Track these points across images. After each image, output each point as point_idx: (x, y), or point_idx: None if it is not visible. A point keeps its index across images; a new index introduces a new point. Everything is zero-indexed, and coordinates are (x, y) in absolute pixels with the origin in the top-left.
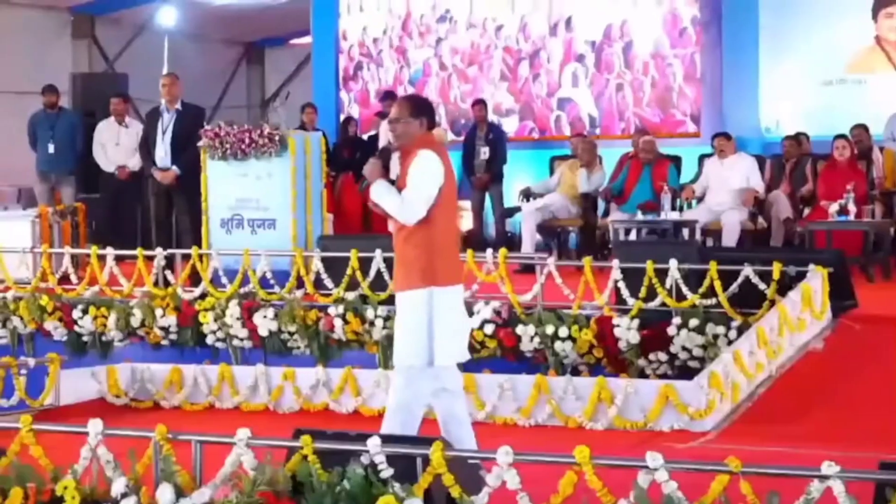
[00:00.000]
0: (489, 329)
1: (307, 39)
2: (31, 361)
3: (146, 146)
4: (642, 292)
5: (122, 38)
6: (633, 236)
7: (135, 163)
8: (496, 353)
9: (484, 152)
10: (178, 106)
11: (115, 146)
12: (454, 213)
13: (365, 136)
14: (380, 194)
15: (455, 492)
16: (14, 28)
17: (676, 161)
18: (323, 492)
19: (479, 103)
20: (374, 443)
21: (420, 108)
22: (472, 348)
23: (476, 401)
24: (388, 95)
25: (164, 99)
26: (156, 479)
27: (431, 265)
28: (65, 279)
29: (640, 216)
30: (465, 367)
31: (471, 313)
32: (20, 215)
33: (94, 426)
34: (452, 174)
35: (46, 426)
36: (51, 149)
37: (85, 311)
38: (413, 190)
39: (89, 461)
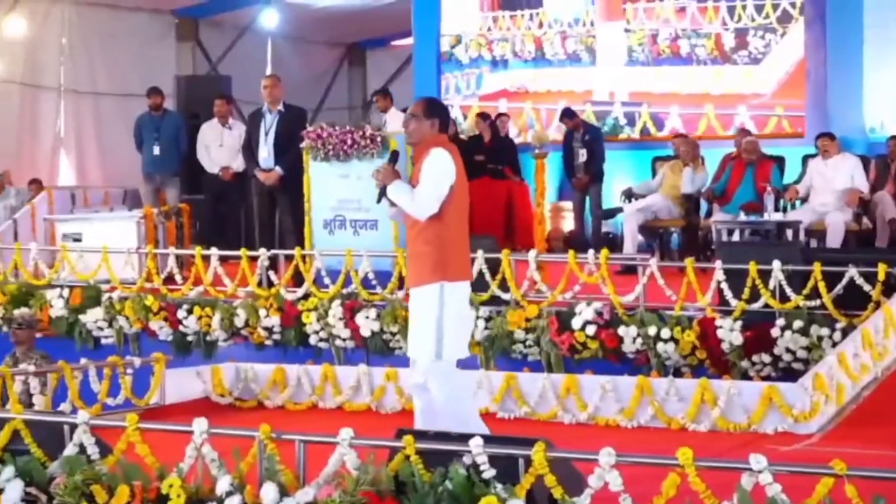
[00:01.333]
0: (591, 330)
1: (408, 41)
2: (137, 361)
3: (249, 148)
4: (745, 293)
5: (226, 41)
6: (735, 237)
7: (238, 164)
8: (598, 355)
9: (582, 154)
10: (281, 107)
11: (218, 147)
12: (464, 210)
13: (465, 137)
14: (396, 193)
15: (557, 492)
16: (120, 31)
17: (780, 161)
18: (425, 492)
19: (567, 116)
20: (476, 443)
21: (433, 109)
22: (573, 349)
23: (578, 402)
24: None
25: (266, 101)
26: (260, 477)
27: (442, 260)
28: (170, 279)
29: (742, 217)
30: (567, 368)
31: (572, 314)
32: (126, 216)
33: (199, 425)
34: (463, 173)
35: (152, 425)
36: (156, 150)
37: (189, 311)
38: (426, 187)
39: (194, 460)
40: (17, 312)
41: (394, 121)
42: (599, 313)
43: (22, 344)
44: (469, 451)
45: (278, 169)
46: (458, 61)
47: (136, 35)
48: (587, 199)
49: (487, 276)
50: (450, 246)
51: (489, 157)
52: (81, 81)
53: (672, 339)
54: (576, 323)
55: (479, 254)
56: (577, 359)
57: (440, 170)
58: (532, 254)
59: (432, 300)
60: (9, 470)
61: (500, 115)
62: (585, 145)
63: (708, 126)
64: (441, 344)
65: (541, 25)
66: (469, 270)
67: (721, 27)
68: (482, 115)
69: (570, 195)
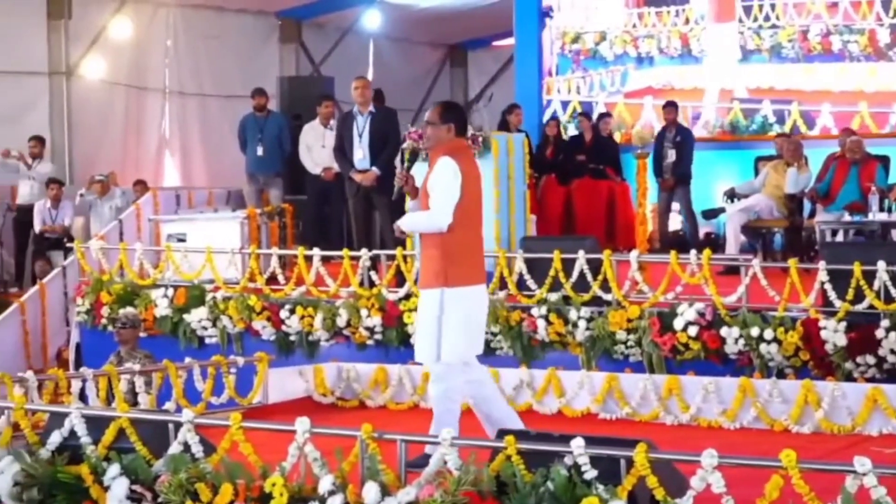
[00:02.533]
0: (693, 331)
1: (510, 41)
2: (241, 360)
3: (342, 149)
4: (849, 294)
5: (328, 42)
6: (839, 237)
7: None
8: (700, 356)
9: (671, 154)
10: (371, 108)
11: (320, 149)
12: (474, 215)
13: (567, 137)
14: (411, 222)
15: (659, 494)
16: (224, 33)
17: (884, 161)
18: (526, 492)
19: (671, 106)
20: (577, 444)
21: (449, 113)
22: (675, 350)
23: (680, 403)
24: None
25: (357, 102)
26: (362, 477)
27: (443, 267)
28: (272, 279)
29: (846, 217)
30: (669, 369)
31: (674, 315)
32: (230, 217)
33: (302, 424)
34: (474, 179)
35: (255, 424)
36: (259, 151)
37: (292, 311)
38: (437, 199)
39: (297, 459)
40: (121, 312)
41: None
42: (702, 314)
43: (126, 343)
44: (571, 452)
45: (375, 169)
46: (602, 58)
47: (240, 37)
48: (673, 200)
49: (589, 277)
50: (454, 251)
51: (590, 156)
52: (186, 83)
53: (775, 340)
54: (678, 324)
55: (581, 254)
56: (678, 360)
57: (445, 178)
58: (634, 254)
59: (433, 304)
60: (114, 468)
61: (602, 115)
62: (675, 146)
63: (861, 124)
64: (440, 347)
65: (687, 22)
66: (478, 274)
67: (875, 22)
68: (585, 115)
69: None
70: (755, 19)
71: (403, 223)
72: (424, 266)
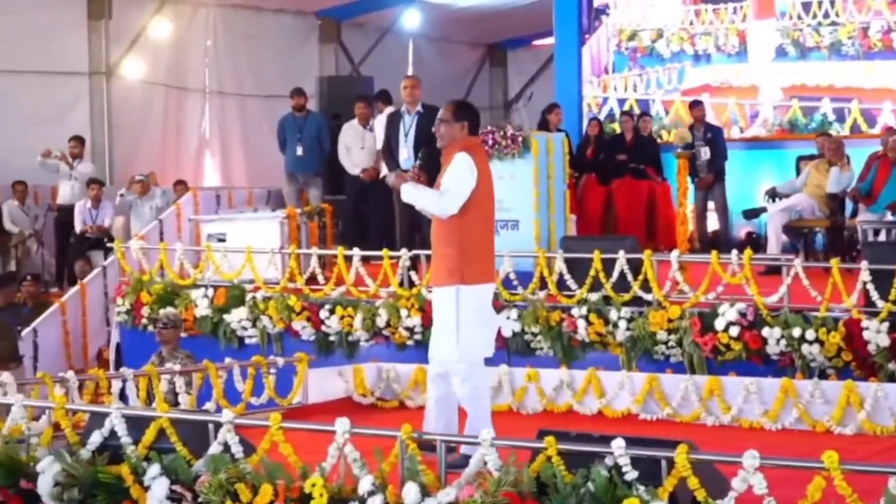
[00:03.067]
0: (734, 331)
1: (550, 40)
2: (280, 361)
3: (388, 149)
4: (892, 294)
5: (368, 42)
6: (882, 237)
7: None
8: (742, 356)
9: (704, 152)
10: (419, 108)
11: (359, 150)
12: (488, 213)
13: (607, 136)
14: (412, 193)
15: (700, 495)
16: (263, 33)
17: None
18: (567, 493)
19: (698, 104)
20: (618, 444)
21: (463, 112)
22: (716, 351)
23: (721, 404)
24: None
25: (406, 101)
26: (402, 477)
27: (459, 264)
28: (312, 279)
29: (889, 217)
30: (710, 370)
31: (715, 315)
32: (269, 216)
33: (342, 425)
34: (489, 178)
35: (295, 424)
36: (299, 151)
37: (332, 311)
38: (450, 184)
39: (337, 459)
40: (162, 312)
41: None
42: (743, 314)
43: (167, 343)
44: (611, 453)
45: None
46: (659, 55)
47: (280, 37)
48: (709, 199)
49: (629, 277)
50: (469, 249)
51: (631, 156)
52: (226, 83)
53: (817, 340)
54: (719, 324)
55: (621, 254)
56: (719, 360)
57: (462, 172)
58: (674, 254)
59: (449, 302)
60: (155, 468)
61: (642, 114)
62: (707, 143)
63: None
64: (460, 345)
65: (745, 19)
66: (491, 272)
67: None
68: (627, 114)
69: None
70: (814, 16)
71: (408, 191)
72: (438, 264)
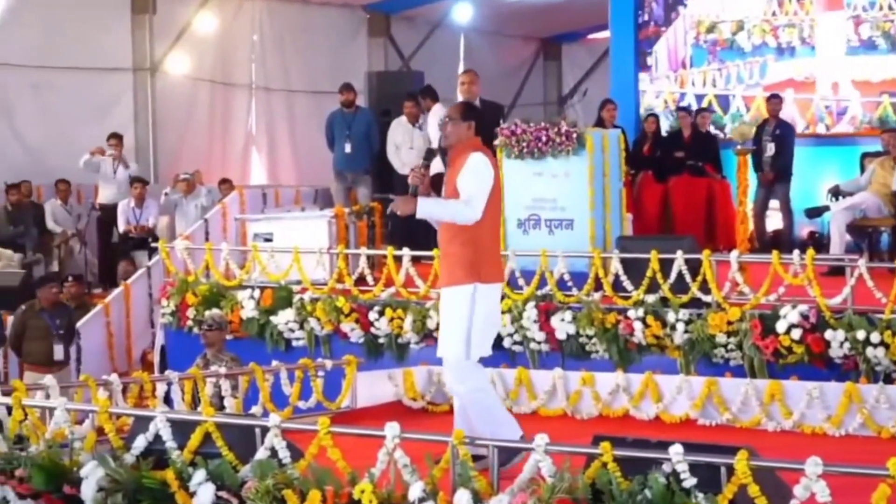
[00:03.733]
0: (796, 334)
1: (605, 34)
2: (328, 363)
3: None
4: None
5: (418, 36)
6: None
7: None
8: (804, 360)
9: (770, 148)
10: (477, 104)
11: (408, 150)
12: (499, 214)
13: (665, 133)
14: (431, 208)
15: (761, 503)
16: (311, 27)
17: None
18: (623, 500)
19: (776, 98)
20: (676, 450)
21: (471, 112)
22: (778, 354)
23: (783, 409)
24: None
25: (463, 97)
26: (453, 483)
27: (476, 262)
28: (361, 280)
29: None
30: (771, 374)
31: (776, 317)
32: (317, 216)
33: (392, 429)
34: (499, 179)
35: (344, 429)
36: (347, 148)
37: (381, 313)
38: (472, 191)
39: (386, 465)
40: (207, 314)
41: (434, 119)
42: (805, 316)
43: (213, 346)
44: (669, 459)
45: None
46: (740, 49)
47: (328, 31)
48: (771, 198)
49: (688, 278)
50: (484, 248)
51: (689, 153)
52: (272, 78)
53: (882, 343)
54: (780, 326)
55: (679, 254)
56: (781, 364)
57: (483, 173)
58: (734, 254)
59: (464, 301)
60: (200, 473)
61: (700, 110)
62: (774, 139)
63: None
64: (468, 345)
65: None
66: (502, 272)
67: None
68: (685, 109)
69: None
70: (880, 8)
71: (426, 207)
72: (452, 262)
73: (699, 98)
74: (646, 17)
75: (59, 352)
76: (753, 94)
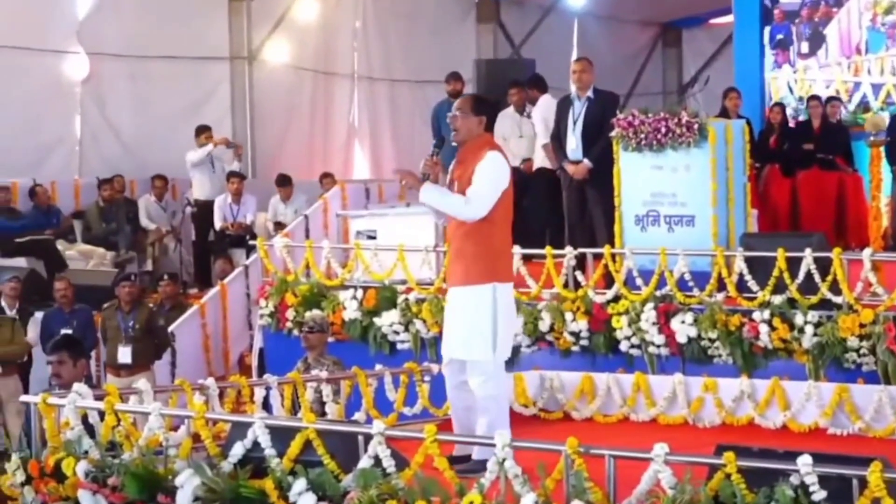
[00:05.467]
0: None
1: (728, 18)
2: (435, 367)
3: (557, 138)
4: None
5: (529, 22)
6: None
7: (541, 156)
8: None
9: None
10: (590, 93)
11: (517, 139)
12: (511, 213)
13: (792, 124)
14: (434, 196)
15: None
16: (417, 13)
17: None
18: None
19: None
20: (804, 461)
21: (482, 106)
22: None
23: None
24: None
25: (575, 86)
26: (566, 495)
27: (494, 262)
28: None
29: None
30: None
31: None
32: (422, 212)
33: (502, 438)
34: (512, 178)
35: (451, 437)
36: (454, 141)
37: None
38: (483, 188)
39: (496, 475)
40: (308, 315)
41: (541, 112)
42: None
43: (313, 349)
44: (797, 470)
45: (586, 161)
46: None
47: (434, 17)
48: None
49: (817, 278)
50: (500, 248)
51: (819, 145)
52: (376, 67)
53: None
54: None
55: (807, 252)
56: None
57: (499, 174)
58: (866, 252)
59: (485, 300)
60: (300, 483)
61: (830, 98)
62: None
63: None
64: (496, 343)
65: None
66: (512, 272)
67: None
68: (815, 98)
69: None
70: None
71: (430, 194)
72: (468, 262)
73: (875, 88)
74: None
75: (124, 354)
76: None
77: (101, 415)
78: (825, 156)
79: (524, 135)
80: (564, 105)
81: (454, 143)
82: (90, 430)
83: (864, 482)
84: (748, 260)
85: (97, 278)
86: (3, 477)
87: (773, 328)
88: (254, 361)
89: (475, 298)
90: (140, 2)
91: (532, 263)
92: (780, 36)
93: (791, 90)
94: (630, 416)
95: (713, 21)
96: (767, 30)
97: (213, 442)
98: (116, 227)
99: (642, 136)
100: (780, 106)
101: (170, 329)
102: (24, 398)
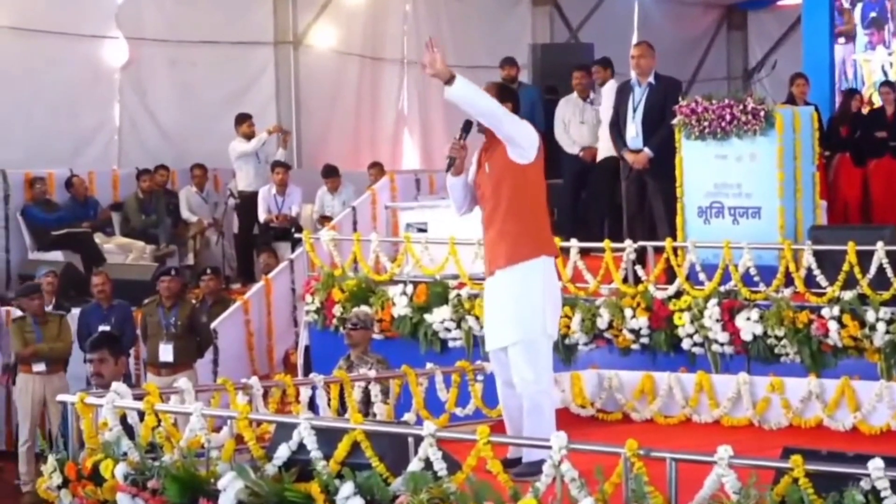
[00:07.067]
0: None
1: (797, 0)
2: (488, 366)
3: (617, 125)
4: None
5: (588, 5)
6: None
7: (605, 145)
8: None
9: None
10: (651, 79)
11: (578, 125)
12: (544, 188)
13: (865, 111)
14: (469, 91)
15: None
16: None
17: None
18: None
19: None
20: (875, 465)
21: (507, 93)
22: None
23: None
24: None
25: (635, 72)
26: (626, 499)
27: (539, 235)
28: None
29: None
30: None
31: None
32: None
33: (558, 439)
34: (545, 154)
35: (505, 438)
36: None
37: None
38: (527, 142)
39: (552, 479)
40: (354, 311)
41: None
42: None
43: (356, 346)
44: (868, 475)
45: (647, 150)
46: None
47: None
48: None
49: (889, 272)
50: (542, 221)
51: (892, 133)
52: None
53: None
54: None
55: (879, 245)
56: None
57: (534, 140)
58: None
59: (535, 276)
60: (348, 486)
61: None
62: None
63: None
64: (545, 320)
65: None
66: (556, 246)
67: None
68: (889, 84)
69: None
70: None
71: (462, 89)
72: (514, 239)
73: None
74: None
75: (166, 352)
76: None
77: (141, 415)
78: None
79: (585, 121)
80: (624, 91)
81: (479, 132)
82: (129, 430)
83: None
84: (817, 254)
85: (136, 273)
86: (40, 479)
87: (842, 325)
88: (299, 360)
89: (523, 276)
90: None
91: (590, 257)
92: (872, 14)
93: (885, 74)
94: (692, 417)
95: (781, 2)
96: (859, 7)
97: (256, 444)
98: (156, 220)
99: (706, 123)
100: (855, 92)
101: (212, 326)
102: (60, 397)
